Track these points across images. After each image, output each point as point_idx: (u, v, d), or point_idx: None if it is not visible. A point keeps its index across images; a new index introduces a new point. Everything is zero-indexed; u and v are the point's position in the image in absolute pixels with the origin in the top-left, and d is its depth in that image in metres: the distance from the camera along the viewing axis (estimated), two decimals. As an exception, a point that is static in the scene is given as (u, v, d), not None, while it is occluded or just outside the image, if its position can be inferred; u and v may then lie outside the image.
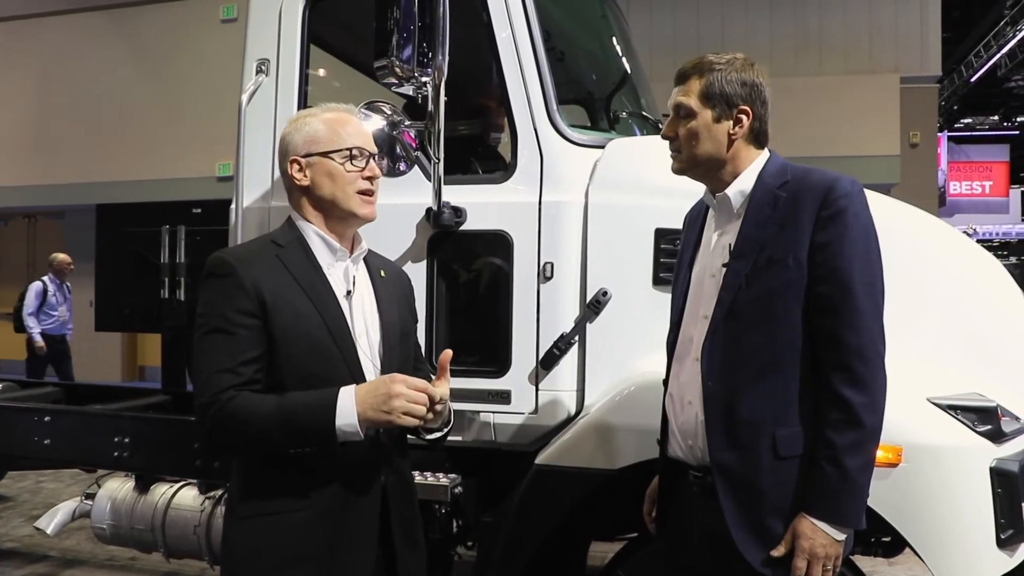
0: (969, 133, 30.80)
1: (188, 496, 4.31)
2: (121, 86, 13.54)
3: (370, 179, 2.22)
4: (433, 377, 2.16)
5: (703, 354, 2.21)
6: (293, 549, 2.06)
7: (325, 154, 2.18)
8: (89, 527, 4.62)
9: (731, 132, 2.23)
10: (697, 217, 2.46)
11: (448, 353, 2.14)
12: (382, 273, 2.33)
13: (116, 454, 4.29)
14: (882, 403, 2.12)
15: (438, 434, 2.27)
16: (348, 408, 1.98)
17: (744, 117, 2.23)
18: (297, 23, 3.58)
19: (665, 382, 2.42)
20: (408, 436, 2.32)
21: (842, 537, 2.10)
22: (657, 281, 3.09)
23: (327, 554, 2.09)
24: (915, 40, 14.23)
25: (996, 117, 29.97)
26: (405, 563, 2.24)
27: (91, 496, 4.59)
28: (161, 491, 4.38)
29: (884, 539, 3.12)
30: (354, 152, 2.20)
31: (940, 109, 20.21)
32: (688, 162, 2.28)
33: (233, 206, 3.60)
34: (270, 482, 2.08)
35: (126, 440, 4.27)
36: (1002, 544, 2.70)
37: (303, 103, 3.52)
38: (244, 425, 1.99)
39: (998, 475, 2.71)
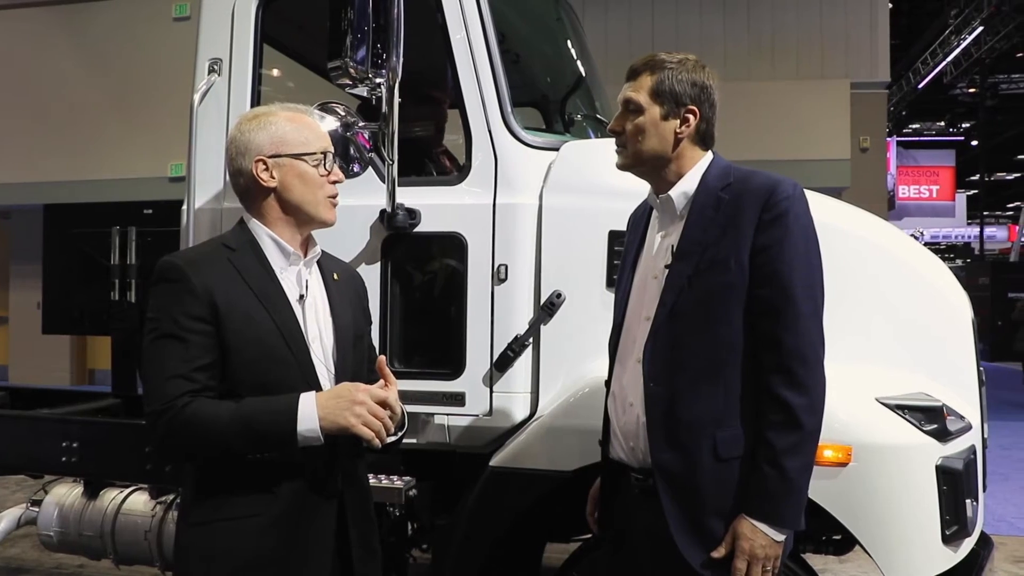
0: (917, 138, 31.46)
1: (139, 501, 4.25)
2: (70, 84, 13.30)
3: (334, 183, 2.22)
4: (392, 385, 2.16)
5: (645, 355, 2.22)
6: (247, 555, 2.04)
7: (297, 156, 2.16)
8: (35, 534, 4.53)
9: (677, 131, 2.24)
10: (641, 218, 2.47)
11: (382, 359, 2.15)
12: (335, 275, 2.32)
13: (64, 459, 4.20)
14: (821, 405, 2.14)
15: (392, 438, 2.26)
16: (310, 414, 1.97)
17: (691, 117, 2.24)
18: (250, 22, 3.54)
19: (608, 383, 2.43)
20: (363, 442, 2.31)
21: (781, 538, 2.11)
22: (611, 283, 3.10)
23: (282, 560, 2.06)
24: (865, 47, 14.51)
25: (942, 123, 30.66)
26: (361, 568, 2.22)
27: (37, 502, 4.50)
28: (111, 496, 4.30)
29: (835, 537, 3.16)
30: (325, 156, 2.19)
31: (889, 114, 20.63)
32: (633, 158, 2.29)
33: (185, 207, 3.56)
34: (224, 487, 2.06)
35: (74, 445, 4.19)
36: (947, 540, 2.76)
37: (256, 103, 3.48)
38: (201, 431, 1.96)
39: (943, 473, 2.76)
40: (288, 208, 2.18)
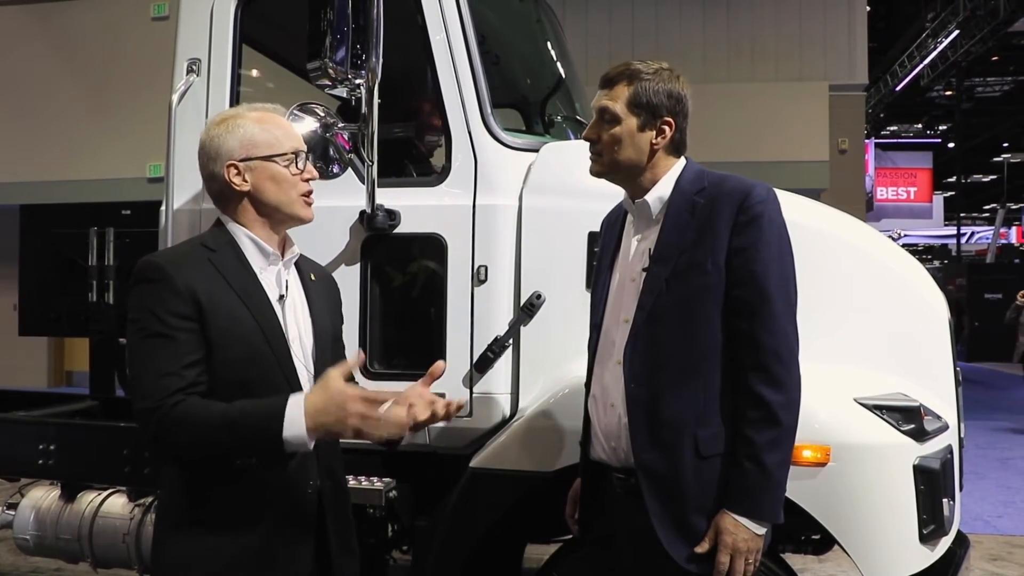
0: (895, 140, 31.68)
1: (117, 504, 4.21)
2: (48, 83, 13.18)
3: (308, 180, 2.21)
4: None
5: (625, 357, 2.26)
6: (227, 557, 2.03)
7: (268, 158, 2.15)
8: (11, 538, 4.48)
9: (653, 142, 2.28)
10: (615, 221, 2.50)
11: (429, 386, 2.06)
12: (312, 276, 2.31)
13: (41, 462, 4.17)
14: (798, 401, 2.19)
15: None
16: (296, 420, 1.91)
17: (667, 128, 2.28)
18: (229, 22, 3.53)
19: (587, 385, 2.45)
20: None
21: (762, 531, 2.16)
22: (590, 284, 3.11)
23: (262, 561, 2.06)
24: (843, 49, 14.60)
25: (920, 125, 30.89)
26: (340, 569, 2.22)
27: (13, 506, 4.45)
28: (88, 499, 4.27)
29: (814, 536, 3.18)
30: (297, 155, 2.18)
31: (867, 117, 20.75)
32: (608, 167, 2.33)
33: (163, 208, 3.54)
34: (203, 489, 2.05)
35: (51, 447, 4.16)
36: (924, 539, 2.79)
37: (235, 103, 3.46)
38: (192, 430, 1.94)
39: (921, 472, 2.79)
40: (263, 210, 2.17)
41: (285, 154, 2.16)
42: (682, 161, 2.35)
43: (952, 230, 29.81)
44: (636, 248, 2.34)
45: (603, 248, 2.53)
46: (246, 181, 2.14)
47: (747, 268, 2.16)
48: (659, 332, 2.22)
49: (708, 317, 2.19)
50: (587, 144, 2.37)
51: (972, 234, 39.51)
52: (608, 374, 2.33)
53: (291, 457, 2.00)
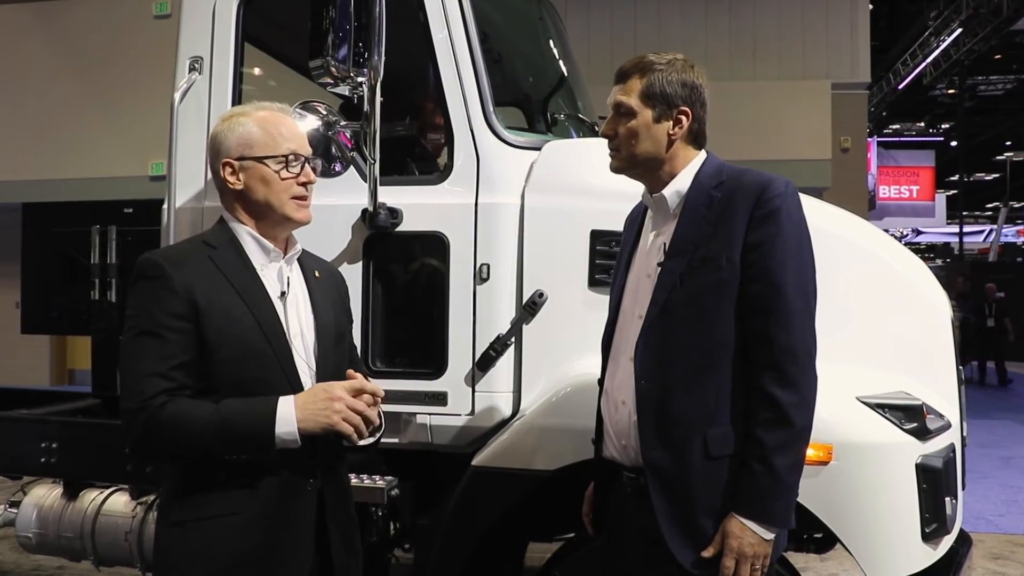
0: (897, 139, 31.65)
1: (119, 502, 4.22)
2: (50, 82, 13.18)
3: (305, 184, 2.20)
4: (369, 379, 2.16)
5: (636, 353, 2.22)
6: (228, 555, 2.03)
7: (260, 159, 2.15)
8: (14, 536, 4.49)
9: (670, 132, 2.25)
10: (636, 219, 2.47)
11: (351, 372, 2.16)
12: (316, 273, 2.31)
13: (43, 460, 4.18)
14: (812, 403, 2.14)
15: (369, 440, 2.24)
16: (288, 416, 1.98)
17: (684, 118, 2.25)
18: (231, 21, 3.53)
19: (600, 382, 2.42)
20: (343, 441, 2.30)
21: (770, 536, 2.11)
22: (593, 282, 3.11)
23: (263, 559, 2.06)
24: (845, 47, 14.59)
25: (922, 124, 30.86)
26: (342, 567, 2.22)
27: (16, 504, 4.46)
28: (91, 497, 4.27)
29: (816, 535, 3.18)
30: (290, 158, 2.17)
31: (869, 115, 20.71)
32: (627, 161, 2.29)
33: (165, 206, 3.54)
34: (204, 486, 2.05)
35: (53, 445, 4.17)
36: (926, 538, 2.78)
37: (237, 102, 3.46)
38: (179, 432, 1.96)
39: (923, 471, 2.78)
40: (253, 209, 2.17)
41: (278, 156, 2.16)
42: (702, 154, 2.31)
43: (968, 228, 29.76)
44: (653, 243, 2.31)
45: (623, 245, 2.50)
46: (239, 180, 2.15)
47: (762, 263, 2.11)
48: (672, 328, 2.17)
49: (721, 313, 2.14)
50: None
51: (990, 232, 39.36)
52: (620, 371, 2.30)
53: (280, 452, 2.01)
